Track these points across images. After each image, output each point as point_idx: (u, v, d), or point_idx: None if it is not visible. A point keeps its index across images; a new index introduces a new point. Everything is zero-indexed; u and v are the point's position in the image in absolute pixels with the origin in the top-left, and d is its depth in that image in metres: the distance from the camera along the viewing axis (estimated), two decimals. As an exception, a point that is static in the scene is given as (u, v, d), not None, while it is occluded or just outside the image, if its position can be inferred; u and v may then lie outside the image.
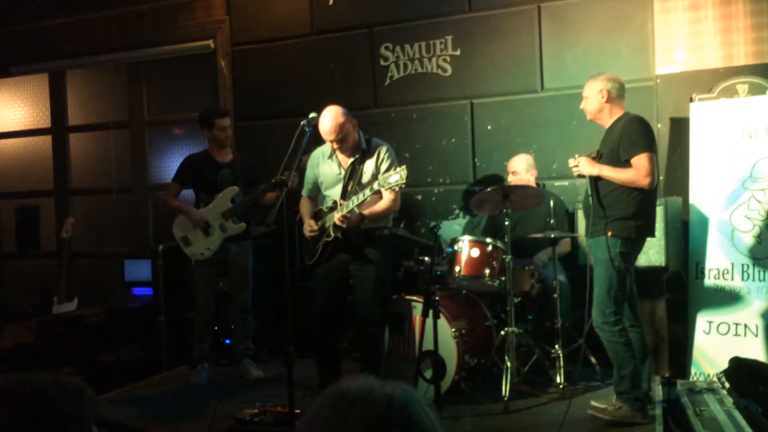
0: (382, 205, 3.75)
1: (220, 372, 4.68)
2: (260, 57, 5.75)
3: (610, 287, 3.41)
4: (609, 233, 3.40)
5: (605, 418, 3.41)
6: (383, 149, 3.82)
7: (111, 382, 4.54)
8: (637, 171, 3.37)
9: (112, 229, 6.65)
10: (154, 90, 6.48)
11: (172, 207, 4.66)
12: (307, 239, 3.92)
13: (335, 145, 3.76)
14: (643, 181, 3.37)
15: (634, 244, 3.49)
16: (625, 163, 3.42)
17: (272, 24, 5.69)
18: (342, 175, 3.83)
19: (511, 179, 4.55)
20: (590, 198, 3.51)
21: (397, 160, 3.86)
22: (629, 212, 3.41)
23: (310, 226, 3.86)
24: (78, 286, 5.74)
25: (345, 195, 3.78)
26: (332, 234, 3.75)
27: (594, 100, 3.57)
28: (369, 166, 3.79)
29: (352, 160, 3.82)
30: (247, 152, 4.93)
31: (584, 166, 3.52)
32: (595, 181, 3.51)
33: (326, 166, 3.91)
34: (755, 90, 4.35)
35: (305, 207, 4.02)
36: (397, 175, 3.42)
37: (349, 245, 3.78)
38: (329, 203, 3.88)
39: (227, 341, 4.96)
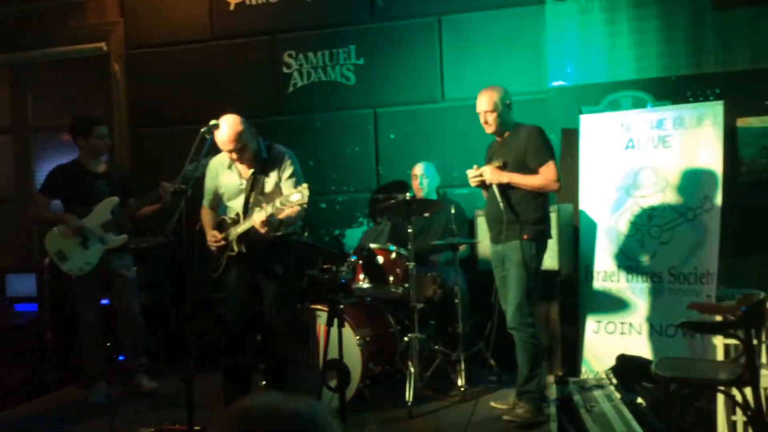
0: (294, 208, 3.68)
1: (113, 389, 4.44)
2: (157, 61, 5.55)
3: (528, 288, 3.57)
4: (525, 236, 3.58)
5: (517, 422, 3.52)
6: (286, 156, 3.74)
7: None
8: (546, 177, 3.59)
9: (-8, 241, 6.21)
10: (40, 94, 6.12)
11: (46, 218, 4.37)
12: (211, 251, 3.80)
13: (234, 156, 3.64)
14: (554, 186, 3.62)
15: (544, 246, 3.72)
16: (533, 171, 3.60)
17: (170, 27, 5.52)
18: (244, 186, 3.73)
19: (416, 184, 4.64)
20: (499, 205, 3.62)
21: (300, 168, 3.82)
22: (539, 216, 3.64)
23: (214, 236, 3.73)
24: (-47, 303, 5.31)
25: (247, 206, 3.69)
26: (236, 248, 3.66)
27: (499, 113, 3.68)
28: (272, 175, 3.71)
29: (253, 170, 3.73)
30: (119, 162, 4.72)
31: (491, 174, 3.65)
32: (504, 188, 3.64)
33: (226, 177, 3.78)
34: (638, 103, 4.67)
35: (207, 218, 3.88)
36: (299, 194, 3.34)
37: (253, 258, 3.69)
38: (232, 214, 3.76)
39: (121, 357, 4.73)
